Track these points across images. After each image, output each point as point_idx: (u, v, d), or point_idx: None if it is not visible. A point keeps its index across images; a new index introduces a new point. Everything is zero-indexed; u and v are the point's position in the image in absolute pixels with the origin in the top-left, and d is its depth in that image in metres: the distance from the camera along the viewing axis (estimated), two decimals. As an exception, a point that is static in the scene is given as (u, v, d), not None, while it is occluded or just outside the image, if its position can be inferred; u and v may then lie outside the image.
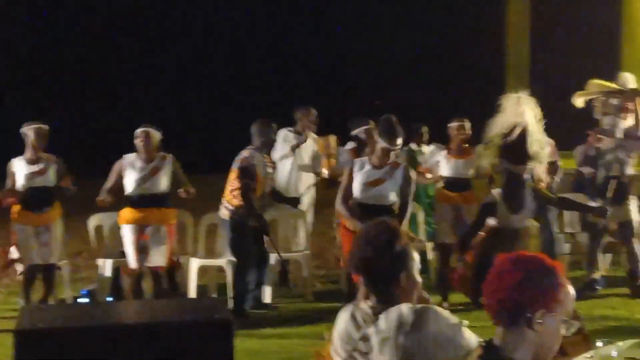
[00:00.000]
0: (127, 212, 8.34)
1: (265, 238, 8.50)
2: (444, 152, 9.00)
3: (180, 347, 4.86)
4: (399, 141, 7.78)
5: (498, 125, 7.49)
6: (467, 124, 8.98)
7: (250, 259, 8.44)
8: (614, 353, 3.58)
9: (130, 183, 8.32)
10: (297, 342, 7.44)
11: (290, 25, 21.61)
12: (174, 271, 8.58)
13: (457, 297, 8.51)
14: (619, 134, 8.94)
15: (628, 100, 8.94)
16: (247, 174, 8.26)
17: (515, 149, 7.41)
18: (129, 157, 8.39)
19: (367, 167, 7.72)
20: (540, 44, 16.96)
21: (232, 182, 8.40)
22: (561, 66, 17.53)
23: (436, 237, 9.20)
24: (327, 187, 9.64)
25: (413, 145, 10.28)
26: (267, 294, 8.89)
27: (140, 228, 8.25)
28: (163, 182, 8.39)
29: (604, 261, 10.29)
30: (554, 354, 2.69)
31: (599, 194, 8.97)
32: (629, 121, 8.94)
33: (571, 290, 2.68)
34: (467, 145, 8.95)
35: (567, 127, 10.11)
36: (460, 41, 20.22)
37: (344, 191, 7.75)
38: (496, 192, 7.69)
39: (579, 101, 9.02)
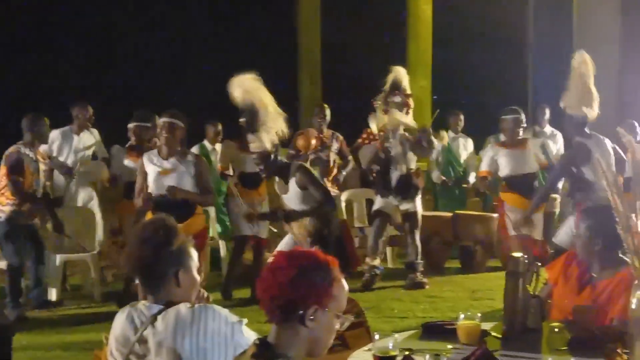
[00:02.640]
0: None
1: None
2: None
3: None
4: None
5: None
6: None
7: (24, 260, 8.18)
8: (391, 345, 3.67)
9: None
10: (82, 345, 7.18)
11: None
12: None
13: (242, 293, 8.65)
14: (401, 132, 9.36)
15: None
16: (15, 170, 7.98)
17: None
18: None
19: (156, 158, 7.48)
20: (331, 39, 17.27)
21: (0, 180, 8.12)
22: (351, 62, 17.92)
23: (232, 231, 9.23)
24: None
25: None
26: (53, 293, 8.64)
27: None
28: None
29: (391, 255, 10.69)
30: (328, 348, 2.70)
31: (387, 188, 9.32)
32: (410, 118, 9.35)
33: (345, 285, 2.68)
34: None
35: (354, 125, 10.39)
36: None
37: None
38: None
39: (373, 125, 9.41)
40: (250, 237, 8.90)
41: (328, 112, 9.81)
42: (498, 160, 9.12)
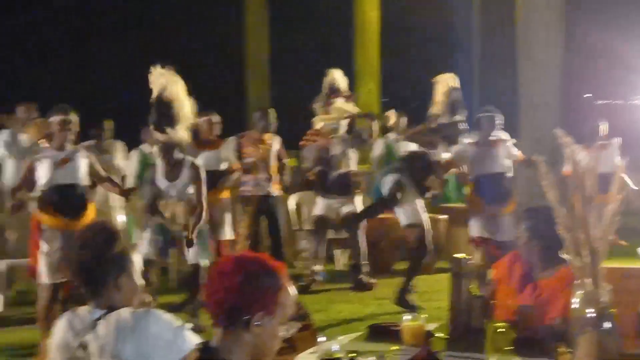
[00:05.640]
0: None
1: None
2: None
3: None
4: None
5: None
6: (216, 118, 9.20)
7: None
8: (336, 347, 3.67)
9: None
10: (18, 352, 7.10)
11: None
12: None
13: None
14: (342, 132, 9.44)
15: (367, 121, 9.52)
16: None
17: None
18: None
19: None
20: (280, 44, 17.29)
21: None
22: (300, 68, 17.97)
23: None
24: None
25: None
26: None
27: None
28: None
29: (341, 256, 10.72)
30: (273, 354, 2.69)
31: (326, 189, 9.42)
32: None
33: (293, 291, 2.68)
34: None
35: (298, 127, 10.41)
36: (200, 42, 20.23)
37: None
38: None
39: (319, 124, 9.46)
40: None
41: (272, 115, 9.71)
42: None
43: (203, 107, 9.14)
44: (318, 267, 9.49)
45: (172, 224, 7.65)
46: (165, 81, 7.67)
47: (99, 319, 3.12)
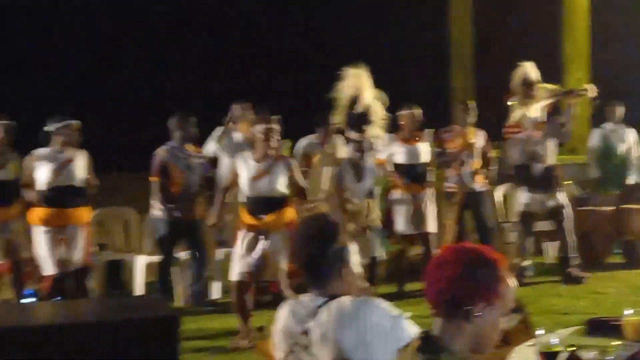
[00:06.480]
0: (39, 212, 7.80)
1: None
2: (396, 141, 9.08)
3: (125, 346, 4.81)
4: None
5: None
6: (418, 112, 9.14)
7: (172, 255, 8.54)
8: (555, 341, 3.60)
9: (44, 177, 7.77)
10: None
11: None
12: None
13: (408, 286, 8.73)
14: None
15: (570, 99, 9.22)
16: (156, 173, 8.35)
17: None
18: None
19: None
20: (484, 33, 17.07)
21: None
22: (504, 57, 17.67)
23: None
24: None
25: None
26: (214, 290, 8.88)
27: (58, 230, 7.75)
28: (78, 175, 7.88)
29: (550, 249, 10.48)
30: (494, 345, 2.68)
31: (530, 184, 9.22)
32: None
33: (512, 283, 2.67)
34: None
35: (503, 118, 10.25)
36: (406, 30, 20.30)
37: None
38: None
39: (520, 115, 9.27)
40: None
41: (473, 107, 9.63)
42: None
43: (405, 101, 9.19)
44: (525, 262, 9.33)
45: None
46: (359, 80, 7.77)
47: (320, 306, 3.21)
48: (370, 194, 8.32)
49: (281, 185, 7.27)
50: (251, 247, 7.17)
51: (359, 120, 7.83)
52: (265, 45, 21.07)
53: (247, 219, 7.28)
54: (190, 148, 8.59)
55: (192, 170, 8.52)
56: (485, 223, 9.43)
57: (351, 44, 17.48)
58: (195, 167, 8.55)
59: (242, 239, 7.23)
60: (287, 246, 7.09)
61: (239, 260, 7.22)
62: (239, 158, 7.42)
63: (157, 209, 8.48)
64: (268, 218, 7.21)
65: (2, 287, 8.47)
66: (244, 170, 7.31)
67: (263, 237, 7.18)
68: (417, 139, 9.11)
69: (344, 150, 8.34)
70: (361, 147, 7.94)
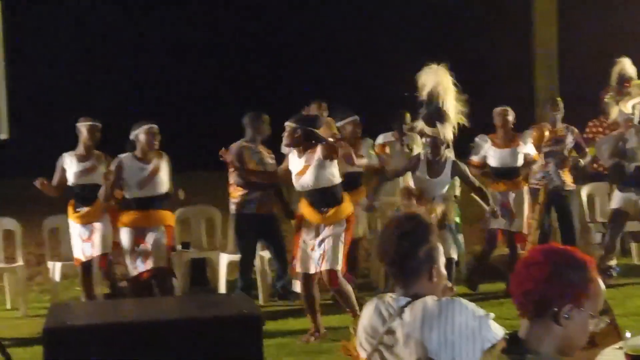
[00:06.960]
0: (127, 215, 7.96)
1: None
2: (489, 142, 8.99)
3: (211, 343, 4.88)
4: None
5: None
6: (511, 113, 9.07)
7: (252, 252, 8.56)
8: (644, 344, 3.52)
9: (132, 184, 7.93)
10: (329, 335, 7.40)
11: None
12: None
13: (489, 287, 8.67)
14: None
15: None
16: (237, 160, 8.30)
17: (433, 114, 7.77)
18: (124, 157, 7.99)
19: None
20: (568, 31, 16.79)
21: (230, 175, 8.53)
22: (590, 54, 17.33)
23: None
24: None
25: None
26: (297, 283, 8.95)
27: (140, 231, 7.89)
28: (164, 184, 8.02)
29: (637, 250, 10.27)
30: (581, 347, 2.65)
31: (625, 182, 9.01)
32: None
33: (602, 285, 2.63)
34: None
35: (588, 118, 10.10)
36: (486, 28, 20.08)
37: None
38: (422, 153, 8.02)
39: (615, 113, 9.12)
40: (500, 230, 8.91)
41: (561, 105, 9.47)
42: None
43: (493, 101, 9.08)
44: (613, 262, 9.16)
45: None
46: (438, 77, 7.74)
47: (405, 305, 3.21)
48: (447, 192, 8.19)
49: (324, 177, 7.24)
50: (313, 240, 7.23)
51: (434, 116, 7.79)
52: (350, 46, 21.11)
53: (308, 212, 7.33)
54: (262, 148, 8.62)
55: (265, 167, 8.55)
56: (572, 223, 9.26)
57: (430, 45, 17.42)
58: (267, 164, 8.56)
59: (304, 233, 7.30)
60: (344, 241, 7.19)
61: (301, 255, 7.29)
62: (290, 155, 7.52)
63: (232, 203, 8.56)
64: (330, 211, 7.23)
65: (96, 283, 8.60)
66: (292, 166, 7.40)
67: (323, 230, 7.21)
68: (512, 141, 8.97)
69: (419, 147, 8.28)
70: (436, 143, 7.86)
